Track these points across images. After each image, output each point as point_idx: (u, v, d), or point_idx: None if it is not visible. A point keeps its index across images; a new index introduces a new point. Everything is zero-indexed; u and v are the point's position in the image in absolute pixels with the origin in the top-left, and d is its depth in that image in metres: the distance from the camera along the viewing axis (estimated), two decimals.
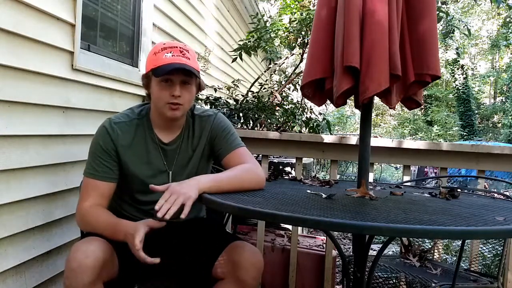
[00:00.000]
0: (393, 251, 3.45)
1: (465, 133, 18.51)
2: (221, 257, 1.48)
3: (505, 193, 2.23)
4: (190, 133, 1.61)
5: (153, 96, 1.50)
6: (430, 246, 2.17)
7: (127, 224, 1.39)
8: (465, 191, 2.05)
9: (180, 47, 1.46)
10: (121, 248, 1.40)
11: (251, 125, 3.41)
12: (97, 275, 1.30)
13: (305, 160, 3.57)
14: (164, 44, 1.48)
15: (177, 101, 1.44)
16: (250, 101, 3.61)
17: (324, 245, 2.50)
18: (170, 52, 1.44)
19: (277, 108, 3.82)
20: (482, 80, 23.44)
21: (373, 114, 1.74)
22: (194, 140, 1.61)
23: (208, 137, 1.61)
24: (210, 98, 3.32)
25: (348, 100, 1.65)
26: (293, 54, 4.64)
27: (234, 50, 3.99)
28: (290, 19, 4.28)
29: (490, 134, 19.37)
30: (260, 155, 2.67)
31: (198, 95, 3.30)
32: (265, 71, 5.66)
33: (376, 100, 1.68)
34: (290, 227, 2.66)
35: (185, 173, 1.59)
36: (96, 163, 1.50)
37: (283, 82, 4.78)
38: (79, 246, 1.33)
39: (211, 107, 3.27)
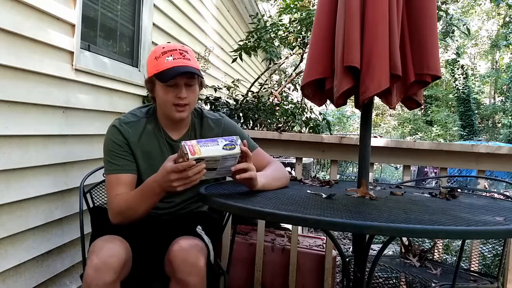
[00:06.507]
0: (393, 251, 3.44)
1: (465, 133, 18.54)
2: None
3: (505, 193, 2.23)
4: (198, 132, 1.64)
5: (159, 99, 1.52)
6: (430, 246, 2.17)
7: (153, 176, 1.35)
8: (465, 191, 2.05)
9: (179, 49, 1.49)
10: (137, 247, 1.42)
11: (251, 125, 3.41)
12: (118, 275, 1.30)
13: (305, 160, 3.57)
14: (163, 47, 1.50)
15: (184, 102, 1.48)
16: (250, 101, 3.61)
17: (324, 245, 2.50)
18: (171, 55, 1.46)
19: (277, 108, 3.81)
20: (482, 80, 23.45)
21: (373, 114, 1.74)
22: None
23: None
24: (210, 98, 3.32)
25: (348, 100, 1.65)
26: (293, 54, 4.64)
27: (234, 51, 3.98)
28: (290, 19, 4.28)
29: (490, 134, 19.39)
30: None
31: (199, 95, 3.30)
32: (265, 71, 5.66)
33: (376, 100, 1.68)
34: (290, 227, 2.66)
35: None
36: (113, 159, 1.50)
37: (283, 82, 4.78)
38: (102, 245, 1.33)
39: (211, 107, 3.27)
